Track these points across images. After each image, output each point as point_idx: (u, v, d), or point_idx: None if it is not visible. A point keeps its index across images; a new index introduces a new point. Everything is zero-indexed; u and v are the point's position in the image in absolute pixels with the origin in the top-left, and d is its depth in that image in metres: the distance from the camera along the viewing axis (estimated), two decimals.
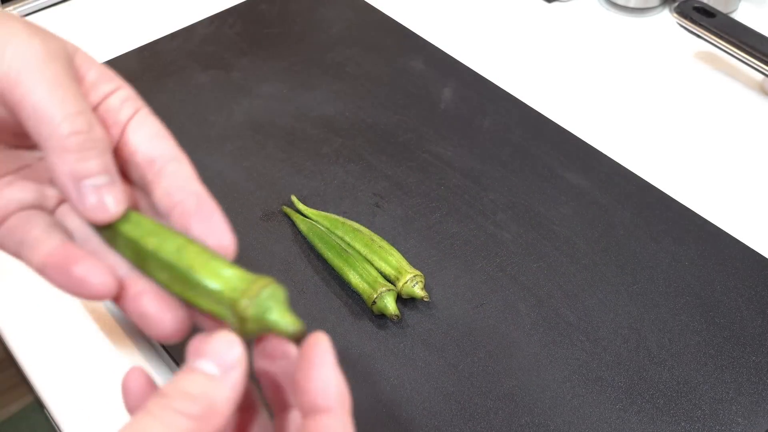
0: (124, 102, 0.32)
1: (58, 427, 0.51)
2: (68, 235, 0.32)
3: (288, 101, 0.70)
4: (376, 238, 0.56)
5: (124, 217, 0.31)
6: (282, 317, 0.28)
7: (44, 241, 0.31)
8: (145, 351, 0.54)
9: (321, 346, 0.28)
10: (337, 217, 0.58)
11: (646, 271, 0.55)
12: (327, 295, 0.54)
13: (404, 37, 0.77)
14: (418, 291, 0.52)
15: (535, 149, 0.65)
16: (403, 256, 0.55)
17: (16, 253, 0.32)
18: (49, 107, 0.28)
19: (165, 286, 0.30)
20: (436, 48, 0.75)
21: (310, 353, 0.28)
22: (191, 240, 0.30)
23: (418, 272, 0.53)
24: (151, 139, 0.31)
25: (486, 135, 0.66)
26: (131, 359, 0.53)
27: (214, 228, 0.30)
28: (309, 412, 0.27)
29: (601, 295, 0.54)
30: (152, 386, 0.30)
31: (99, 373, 0.52)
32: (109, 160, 0.30)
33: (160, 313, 0.30)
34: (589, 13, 0.83)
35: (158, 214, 0.32)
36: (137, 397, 0.29)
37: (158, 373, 0.52)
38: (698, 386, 0.49)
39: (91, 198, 0.29)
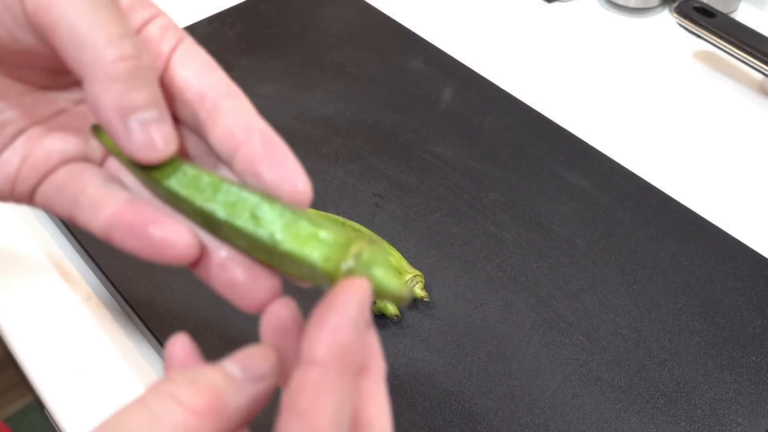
0: (165, 31, 0.28)
1: (58, 427, 0.51)
2: (128, 191, 0.28)
3: (288, 101, 0.70)
4: (376, 238, 0.56)
5: (180, 178, 0.27)
6: (386, 282, 0.25)
7: (105, 198, 0.27)
8: (145, 352, 0.54)
9: (345, 294, 0.23)
10: (336, 217, 0.58)
11: (646, 271, 0.55)
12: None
13: (404, 37, 0.77)
14: (418, 291, 0.52)
15: (535, 149, 0.65)
16: (403, 256, 0.55)
17: (70, 215, 0.28)
18: (90, 29, 0.24)
19: (245, 253, 0.27)
20: (436, 48, 0.75)
21: (331, 298, 0.24)
22: (262, 195, 0.26)
23: (418, 272, 0.53)
24: (200, 72, 0.28)
25: (486, 135, 0.66)
26: (131, 359, 0.53)
27: (288, 172, 0.26)
28: (300, 362, 0.23)
29: (601, 295, 0.54)
30: (196, 357, 0.26)
31: (99, 373, 0.52)
32: (158, 92, 0.26)
33: (252, 282, 0.27)
34: (589, 13, 0.83)
35: (217, 159, 0.28)
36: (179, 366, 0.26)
37: (159, 375, 0.52)
38: (698, 386, 0.49)
39: (138, 135, 0.25)
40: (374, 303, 0.52)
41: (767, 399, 0.48)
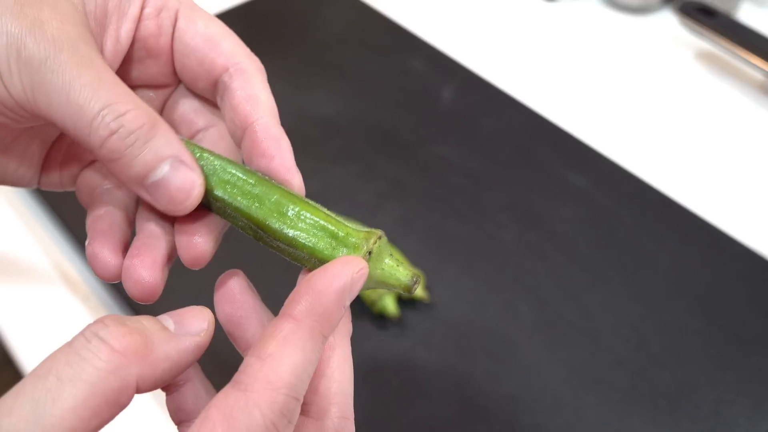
0: (160, 12, 0.29)
1: None
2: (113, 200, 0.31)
3: (288, 101, 0.70)
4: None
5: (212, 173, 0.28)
6: (399, 272, 0.27)
7: (93, 206, 0.30)
8: None
9: (342, 267, 0.25)
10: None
11: (646, 271, 0.55)
12: None
13: (404, 38, 0.77)
14: (418, 291, 0.52)
15: (535, 149, 0.65)
16: (403, 256, 0.55)
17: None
18: (73, 121, 0.25)
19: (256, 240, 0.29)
20: (436, 48, 0.75)
21: (328, 266, 0.25)
22: (285, 191, 0.28)
23: (418, 272, 0.53)
24: (202, 53, 0.29)
25: (486, 135, 0.66)
26: None
27: (278, 167, 0.29)
28: (279, 315, 0.25)
29: (602, 295, 0.54)
30: None
31: None
32: (160, 137, 0.26)
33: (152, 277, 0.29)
34: (589, 13, 0.83)
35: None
36: None
37: None
38: (699, 387, 0.49)
39: (161, 196, 0.27)
40: (374, 303, 0.52)
41: None
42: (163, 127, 0.26)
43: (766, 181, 0.64)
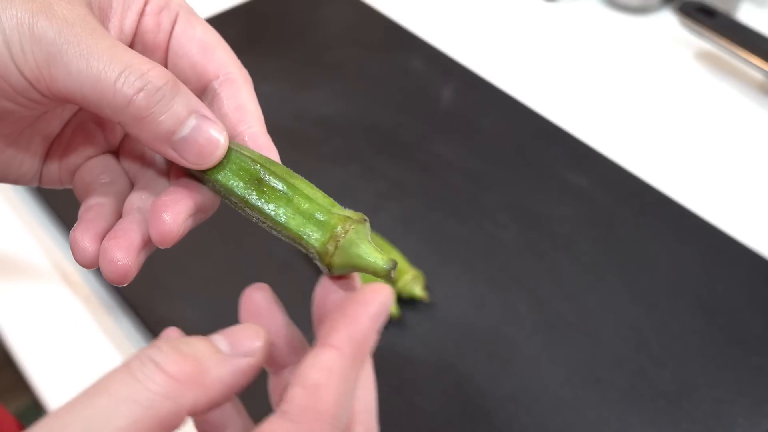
0: (158, 16, 0.30)
1: None
2: (132, 174, 0.32)
3: (288, 101, 0.70)
4: (376, 238, 0.56)
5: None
6: (374, 256, 0.27)
7: (86, 197, 0.30)
8: None
9: (372, 294, 0.26)
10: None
11: (646, 271, 0.55)
12: None
13: (404, 38, 0.77)
14: (418, 291, 0.52)
15: (535, 149, 0.65)
16: (403, 256, 0.55)
17: None
18: (94, 87, 0.25)
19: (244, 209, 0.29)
20: (436, 48, 0.75)
21: (358, 294, 0.26)
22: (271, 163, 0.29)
23: (418, 272, 0.53)
24: (196, 59, 0.30)
25: (486, 135, 0.66)
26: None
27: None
28: (317, 344, 0.25)
29: (602, 295, 0.54)
30: None
31: (99, 374, 0.52)
32: (184, 94, 0.27)
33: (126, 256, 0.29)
34: (589, 13, 0.83)
35: None
36: None
37: None
38: (699, 387, 0.49)
39: (188, 152, 0.27)
40: None
41: None
42: (183, 84, 0.27)
43: (766, 181, 0.64)
